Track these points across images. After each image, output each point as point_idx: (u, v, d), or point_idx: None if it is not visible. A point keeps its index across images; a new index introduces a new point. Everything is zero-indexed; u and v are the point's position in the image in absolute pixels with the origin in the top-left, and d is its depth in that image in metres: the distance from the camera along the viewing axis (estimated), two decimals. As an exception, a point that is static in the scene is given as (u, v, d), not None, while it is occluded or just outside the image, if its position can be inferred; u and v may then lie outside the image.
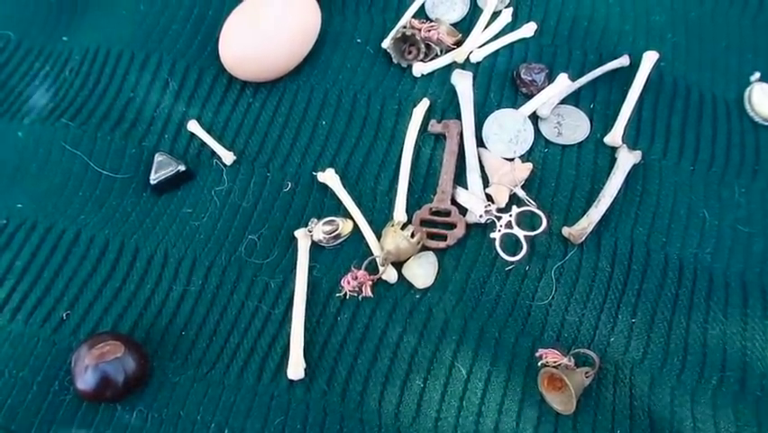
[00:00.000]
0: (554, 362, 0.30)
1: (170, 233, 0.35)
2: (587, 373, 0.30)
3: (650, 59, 0.38)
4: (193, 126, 0.38)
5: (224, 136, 0.38)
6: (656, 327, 0.31)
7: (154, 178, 0.36)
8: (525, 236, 0.33)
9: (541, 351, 0.30)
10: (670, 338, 0.31)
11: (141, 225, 0.36)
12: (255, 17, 0.38)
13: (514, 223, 0.33)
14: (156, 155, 0.37)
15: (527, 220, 0.34)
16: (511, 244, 0.33)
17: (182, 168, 0.37)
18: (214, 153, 0.38)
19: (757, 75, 0.39)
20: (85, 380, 0.29)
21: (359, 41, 0.40)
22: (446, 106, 0.38)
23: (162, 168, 0.36)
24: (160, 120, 0.39)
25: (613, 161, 0.35)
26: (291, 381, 0.31)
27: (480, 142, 0.37)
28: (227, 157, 0.37)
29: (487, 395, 0.30)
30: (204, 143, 0.38)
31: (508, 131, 0.36)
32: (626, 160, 0.34)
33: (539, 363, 0.30)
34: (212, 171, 0.37)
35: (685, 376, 0.30)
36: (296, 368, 0.31)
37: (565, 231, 0.33)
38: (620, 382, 0.30)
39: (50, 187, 0.37)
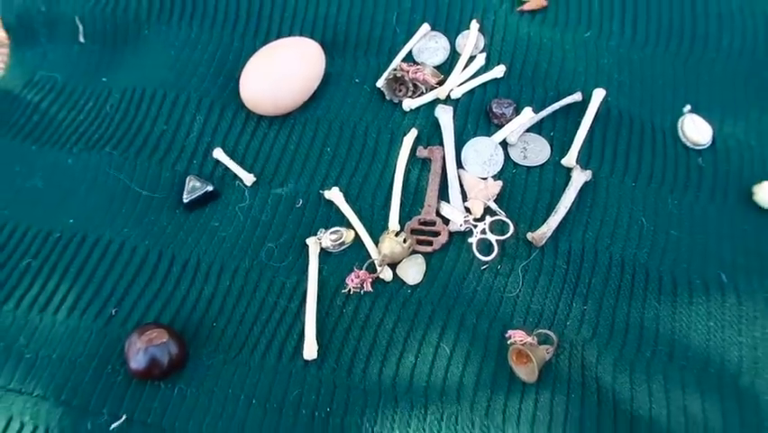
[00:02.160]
0: (521, 341, 0.34)
1: (201, 242, 0.40)
2: (548, 349, 0.35)
3: (599, 95, 0.43)
4: (218, 153, 0.43)
5: (245, 162, 0.43)
6: (603, 313, 0.36)
7: (186, 197, 0.41)
8: (497, 240, 0.39)
9: (510, 332, 0.35)
10: (614, 321, 0.36)
11: (175, 236, 0.40)
12: (270, 61, 0.44)
13: (488, 230, 0.39)
14: (187, 178, 0.42)
15: (498, 227, 0.39)
16: (485, 247, 0.39)
17: (210, 188, 0.41)
18: (236, 176, 0.42)
19: (688, 107, 0.44)
20: (137, 360, 0.35)
21: (357, 80, 0.45)
22: (431, 135, 0.42)
23: (193, 189, 0.41)
24: (189, 148, 0.43)
25: (569, 178, 0.41)
26: (306, 361, 0.35)
27: (460, 165, 0.41)
28: (248, 179, 0.42)
29: (466, 369, 0.35)
30: (227, 168, 0.42)
31: (483, 155, 0.42)
32: (579, 177, 0.41)
33: (508, 342, 0.35)
34: (235, 191, 0.42)
35: (625, 351, 0.35)
36: (310, 350, 0.36)
37: (529, 236, 0.39)
38: (574, 357, 0.35)
39: (96, 205, 0.41)
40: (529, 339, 0.35)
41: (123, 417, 0.35)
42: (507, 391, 0.34)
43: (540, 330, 0.36)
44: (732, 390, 0.34)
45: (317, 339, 0.36)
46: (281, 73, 0.43)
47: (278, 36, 0.47)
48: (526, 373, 0.35)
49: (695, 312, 0.37)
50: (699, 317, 0.37)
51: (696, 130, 0.43)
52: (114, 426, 0.34)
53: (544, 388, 0.34)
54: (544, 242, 0.39)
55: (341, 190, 0.41)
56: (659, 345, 0.36)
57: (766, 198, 0.41)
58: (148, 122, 0.45)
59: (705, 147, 0.43)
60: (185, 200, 0.41)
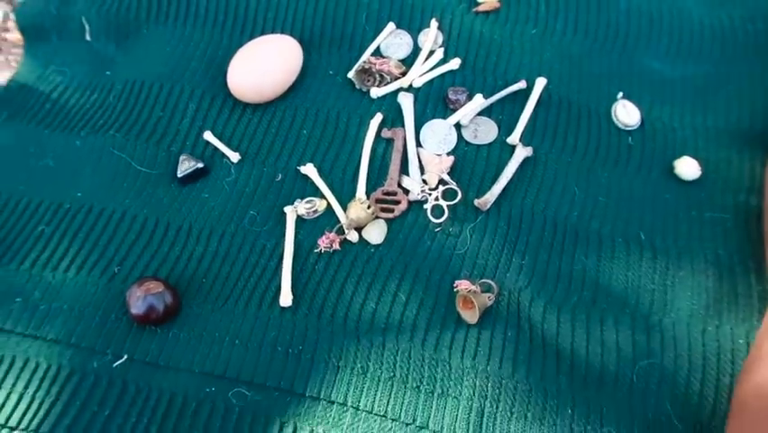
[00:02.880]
0: (466, 288, 0.39)
1: (193, 211, 0.44)
2: (489, 296, 0.39)
3: (541, 83, 0.48)
4: (208, 135, 0.47)
5: (231, 142, 0.47)
6: (537, 266, 0.42)
7: (180, 173, 0.45)
8: (448, 205, 0.44)
9: (457, 282, 0.40)
10: (546, 273, 0.41)
11: (170, 206, 0.45)
12: (254, 55, 0.49)
13: (440, 197, 0.45)
14: (181, 156, 0.46)
15: (450, 194, 0.44)
16: (439, 211, 0.44)
17: (201, 165, 0.45)
18: (224, 155, 0.46)
19: (621, 94, 0.49)
20: (137, 306, 0.40)
21: (331, 72, 0.50)
22: (394, 119, 0.47)
23: (186, 166, 0.46)
24: (183, 131, 0.48)
25: (512, 154, 0.46)
26: (282, 307, 0.40)
27: (419, 144, 0.46)
28: (234, 157, 0.46)
29: (419, 313, 0.39)
30: (216, 148, 0.47)
31: (439, 135, 0.47)
32: (521, 152, 0.46)
33: (455, 290, 0.40)
34: (222, 167, 0.46)
35: (555, 297, 0.40)
36: (285, 298, 0.40)
37: (475, 201, 0.44)
38: (511, 303, 0.39)
39: (101, 181, 0.46)
40: (473, 287, 0.40)
41: (125, 356, 0.39)
42: (453, 330, 0.39)
43: (483, 280, 0.41)
44: (642, 325, 0.39)
45: (292, 290, 0.41)
46: (264, 66, 0.48)
47: (262, 33, 0.53)
48: (470, 316, 0.39)
49: (616, 265, 0.42)
50: (619, 268, 0.42)
51: (627, 114, 0.49)
52: (116, 363, 0.39)
53: (485, 328, 0.39)
54: (488, 206, 0.43)
55: (315, 166, 0.46)
56: (584, 292, 0.41)
57: (684, 170, 0.46)
58: (146, 109, 0.49)
59: (634, 128, 0.49)
60: (179, 175, 0.46)
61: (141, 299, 0.40)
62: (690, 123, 0.49)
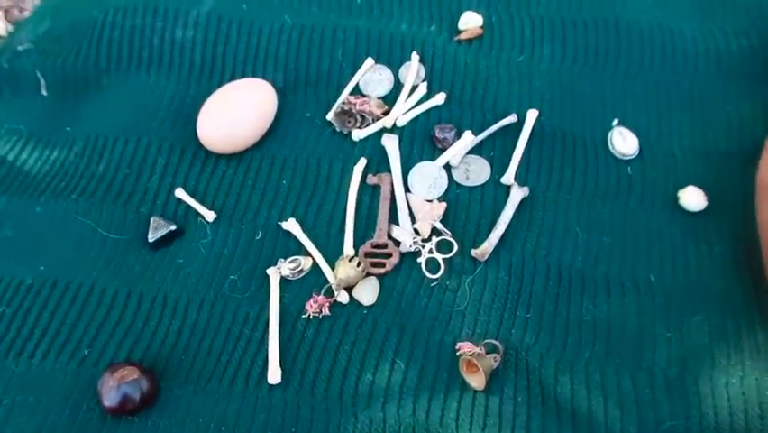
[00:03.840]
0: (469, 351, 0.36)
1: (167, 279, 0.41)
2: (494, 357, 0.37)
3: (532, 115, 0.46)
4: (180, 193, 0.44)
5: (206, 199, 0.44)
6: (544, 319, 0.39)
7: (152, 237, 0.43)
8: (443, 259, 0.41)
9: (459, 344, 0.37)
10: (554, 326, 0.39)
11: (142, 275, 0.42)
12: (225, 103, 0.46)
13: (434, 249, 0.42)
14: (152, 219, 0.43)
15: (445, 246, 0.42)
16: (434, 265, 0.42)
17: (173, 227, 0.43)
18: (198, 213, 0.44)
19: (616, 121, 0.47)
20: (110, 398, 0.36)
21: (308, 115, 0.47)
22: (379, 163, 0.45)
23: (158, 229, 0.43)
24: (152, 190, 0.45)
25: (509, 195, 0.44)
26: (271, 385, 0.37)
27: (407, 189, 0.44)
28: (209, 216, 0.44)
29: (421, 381, 0.37)
30: (189, 206, 0.44)
31: (428, 178, 0.44)
32: (517, 194, 0.43)
33: (458, 354, 0.37)
34: (197, 228, 0.43)
35: (566, 353, 0.37)
36: (274, 374, 0.37)
37: (473, 252, 0.41)
38: (519, 363, 0.37)
39: (65, 251, 0.43)
40: (477, 349, 0.37)
41: None
42: (459, 399, 0.36)
43: (487, 340, 0.38)
44: (662, 381, 0.37)
45: (281, 364, 0.38)
46: (236, 113, 0.46)
47: (232, 78, 0.50)
48: (476, 381, 0.37)
49: (628, 312, 0.40)
50: (631, 316, 0.39)
51: (624, 142, 0.47)
52: None
53: (493, 394, 0.36)
54: (486, 257, 0.41)
55: (297, 221, 0.43)
56: (596, 346, 0.38)
57: (690, 201, 0.44)
58: (112, 167, 0.46)
59: (633, 157, 0.46)
60: (150, 240, 0.43)
61: (114, 389, 0.37)
62: (690, 146, 0.47)
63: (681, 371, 0.37)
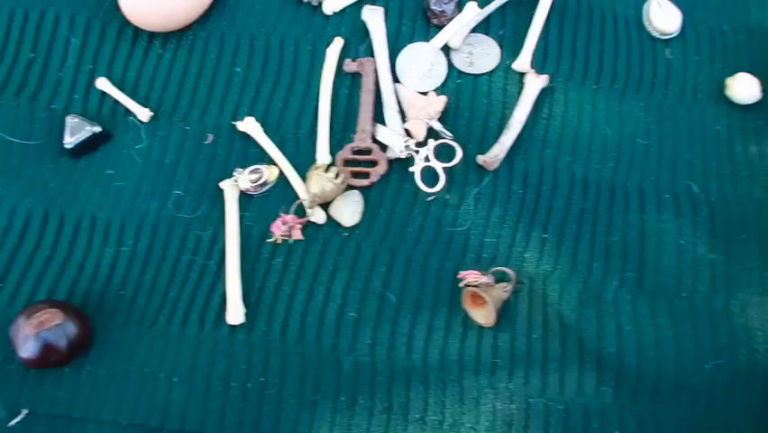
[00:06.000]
0: (475, 281, 0.32)
1: (94, 196, 0.36)
2: (505, 288, 0.33)
3: None
4: (102, 84, 0.38)
5: (137, 92, 0.38)
6: (565, 241, 0.35)
7: (69, 142, 0.36)
8: (443, 168, 0.35)
9: (462, 273, 0.33)
10: (577, 249, 0.34)
11: (62, 191, 0.36)
12: None
13: (432, 156, 0.35)
14: (67, 118, 0.37)
15: (444, 152, 0.36)
16: (431, 175, 0.35)
17: (97, 129, 0.36)
18: (129, 111, 0.38)
19: None
20: (27, 349, 0.30)
21: None
22: (360, 44, 0.38)
23: (76, 131, 0.36)
24: (66, 80, 0.38)
25: (522, 86, 0.37)
26: (232, 326, 0.33)
27: (396, 78, 0.37)
28: (143, 113, 0.37)
29: (417, 318, 0.33)
30: (117, 101, 0.38)
31: (422, 65, 0.38)
32: (534, 84, 0.36)
33: (461, 285, 0.33)
34: (129, 130, 0.37)
35: (591, 281, 0.34)
36: (235, 313, 0.32)
37: (480, 159, 0.35)
38: (534, 294, 0.33)
39: None
40: (484, 279, 0.33)
41: (24, 411, 0.31)
42: (461, 338, 0.33)
43: (496, 268, 0.34)
44: (705, 313, 0.33)
45: (243, 300, 0.33)
46: None
47: (162, -73, 0.40)
48: (483, 316, 0.33)
49: (665, 230, 0.35)
50: (669, 235, 0.35)
51: (663, 16, 0.40)
52: (13, 422, 0.31)
53: (503, 331, 0.33)
54: (496, 165, 0.36)
55: (257, 120, 0.37)
56: (627, 272, 0.34)
57: (740, 91, 0.38)
58: (10, 51, 0.39)
59: (673, 36, 0.40)
60: (68, 146, 0.37)
61: (31, 337, 0.30)
62: (744, 24, 0.41)
63: (727, 299, 0.34)
